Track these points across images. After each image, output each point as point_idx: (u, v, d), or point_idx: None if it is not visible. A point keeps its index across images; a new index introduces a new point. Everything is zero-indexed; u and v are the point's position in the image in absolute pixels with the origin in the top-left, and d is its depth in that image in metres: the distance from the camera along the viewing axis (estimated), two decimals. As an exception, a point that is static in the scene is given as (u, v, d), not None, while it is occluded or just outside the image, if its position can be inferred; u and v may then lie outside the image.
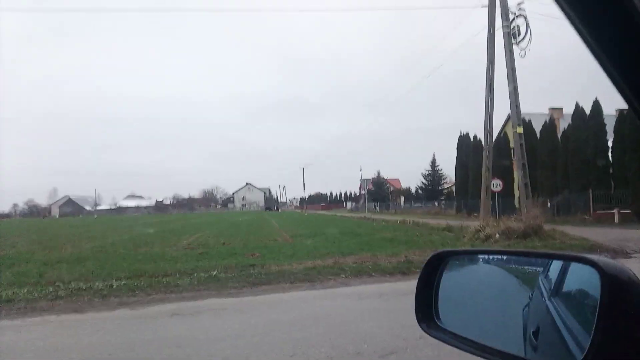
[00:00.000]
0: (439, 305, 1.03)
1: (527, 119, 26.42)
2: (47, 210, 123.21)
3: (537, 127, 29.56)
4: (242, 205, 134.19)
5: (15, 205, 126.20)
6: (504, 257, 1.16)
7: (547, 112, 37.79)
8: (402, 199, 69.42)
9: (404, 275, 8.54)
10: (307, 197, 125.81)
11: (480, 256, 1.21)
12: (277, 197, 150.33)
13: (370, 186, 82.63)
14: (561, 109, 38.64)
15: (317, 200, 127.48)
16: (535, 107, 46.51)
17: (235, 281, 8.07)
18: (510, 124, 20.45)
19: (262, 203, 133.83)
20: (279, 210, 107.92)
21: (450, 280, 1.07)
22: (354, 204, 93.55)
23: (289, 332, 4.83)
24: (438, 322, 1.01)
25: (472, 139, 37.34)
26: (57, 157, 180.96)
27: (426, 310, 1.02)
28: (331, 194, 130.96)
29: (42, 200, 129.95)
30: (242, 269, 9.19)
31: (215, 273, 8.77)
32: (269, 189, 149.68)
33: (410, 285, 6.18)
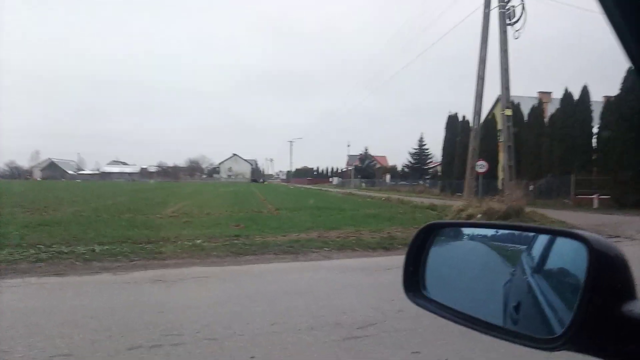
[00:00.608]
0: (425, 276, 1.04)
1: (516, 101, 26.55)
2: (28, 173, 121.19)
3: (525, 110, 29.73)
4: (228, 176, 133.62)
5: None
6: (488, 234, 1.17)
7: (536, 95, 37.97)
8: (388, 176, 69.78)
9: (386, 250, 8.66)
10: (293, 170, 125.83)
11: (466, 232, 1.22)
12: (263, 170, 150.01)
13: (357, 162, 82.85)
14: (550, 93, 38.89)
15: (303, 174, 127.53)
16: (524, 91, 46.70)
17: (219, 250, 8.09)
18: (499, 106, 20.51)
19: (248, 174, 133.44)
20: (265, 183, 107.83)
21: (437, 253, 1.08)
22: (340, 179, 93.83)
23: (271, 302, 4.88)
24: (424, 292, 1.02)
25: (460, 119, 37.44)
26: (39, 119, 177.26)
27: (413, 280, 1.03)
28: (318, 168, 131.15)
29: (24, 162, 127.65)
30: (226, 239, 9.22)
31: (199, 242, 8.78)
32: (256, 161, 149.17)
33: (392, 261, 6.30)
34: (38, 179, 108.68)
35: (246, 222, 12.53)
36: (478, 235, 1.20)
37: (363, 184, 67.95)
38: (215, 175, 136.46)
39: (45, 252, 7.53)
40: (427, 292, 1.03)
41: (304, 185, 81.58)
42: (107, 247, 8.06)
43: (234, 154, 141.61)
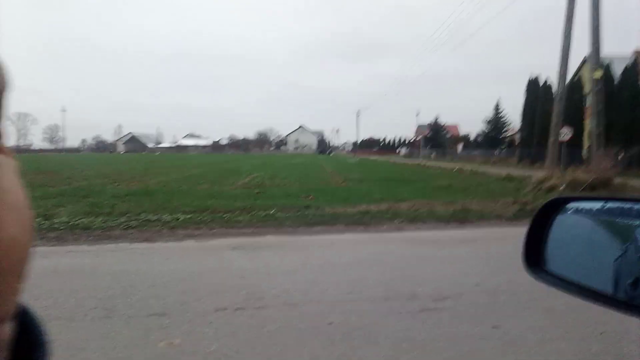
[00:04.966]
0: (547, 251, 1.00)
1: (606, 62, 24.15)
2: (112, 146, 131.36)
3: (617, 71, 27.02)
4: (295, 147, 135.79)
5: (84, 141, 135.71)
6: (594, 208, 1.11)
7: (629, 55, 34.26)
8: (460, 146, 67.16)
9: (460, 223, 8.41)
10: (360, 141, 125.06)
11: (570, 205, 1.16)
12: (329, 141, 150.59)
13: (427, 132, 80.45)
14: (647, 52, 34.87)
15: (370, 145, 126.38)
16: (616, 50, 42.37)
17: (292, 221, 8.32)
18: (586, 67, 18.81)
19: (314, 146, 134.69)
20: (332, 154, 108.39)
21: (558, 228, 1.05)
22: (408, 149, 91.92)
23: (345, 272, 4.96)
24: (546, 268, 0.99)
25: (542, 83, 34.79)
26: (122, 94, 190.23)
27: (534, 254, 0.99)
28: (385, 139, 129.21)
29: (108, 137, 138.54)
30: (297, 210, 9.44)
31: (272, 212, 9.08)
32: (322, 132, 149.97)
33: (466, 234, 6.12)
34: (121, 152, 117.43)
35: (315, 193, 12.72)
36: (583, 208, 1.14)
37: (433, 155, 66.10)
38: (282, 147, 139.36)
39: (134, 219, 8.17)
40: (549, 267, 0.99)
41: (370, 157, 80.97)
42: (190, 215, 8.57)
43: (301, 126, 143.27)
